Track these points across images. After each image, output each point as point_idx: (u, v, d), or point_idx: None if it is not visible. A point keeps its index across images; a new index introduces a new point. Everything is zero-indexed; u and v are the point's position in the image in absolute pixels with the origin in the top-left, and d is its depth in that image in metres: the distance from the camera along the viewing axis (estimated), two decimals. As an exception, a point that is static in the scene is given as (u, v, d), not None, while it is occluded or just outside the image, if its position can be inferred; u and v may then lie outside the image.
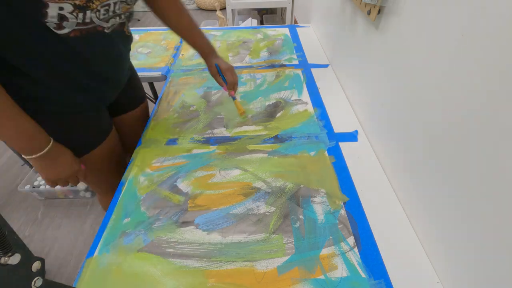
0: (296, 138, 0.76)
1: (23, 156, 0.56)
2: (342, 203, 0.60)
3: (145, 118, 0.90)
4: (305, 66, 1.09)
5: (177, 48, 1.25)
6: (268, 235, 0.55)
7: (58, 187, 1.44)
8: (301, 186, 0.63)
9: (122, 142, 0.84)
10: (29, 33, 0.46)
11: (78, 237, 1.32)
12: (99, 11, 0.51)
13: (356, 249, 0.52)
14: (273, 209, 0.59)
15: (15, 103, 0.50)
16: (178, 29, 0.79)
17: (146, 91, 1.66)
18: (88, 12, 0.49)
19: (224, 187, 0.64)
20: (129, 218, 0.59)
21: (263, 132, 0.78)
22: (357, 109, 0.85)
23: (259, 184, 0.64)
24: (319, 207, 0.59)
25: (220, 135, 0.78)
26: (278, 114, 0.85)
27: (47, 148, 0.56)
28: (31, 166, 1.53)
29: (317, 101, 0.90)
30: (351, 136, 0.77)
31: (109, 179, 0.80)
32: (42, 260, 0.35)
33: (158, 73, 1.08)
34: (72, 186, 0.68)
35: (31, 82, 0.53)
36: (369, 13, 0.68)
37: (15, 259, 0.32)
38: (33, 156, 0.55)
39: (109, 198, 0.84)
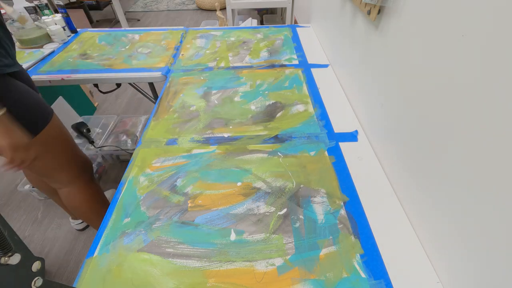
0: (296, 138, 0.76)
1: None
2: (342, 203, 0.60)
3: None
4: (305, 66, 1.09)
5: (177, 48, 1.25)
6: (268, 235, 0.55)
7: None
8: (301, 186, 0.63)
9: None
10: None
11: (78, 237, 1.32)
12: None
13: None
14: (273, 209, 0.59)
15: None
16: None
17: (146, 91, 1.67)
18: None
19: (224, 187, 0.64)
20: (129, 218, 0.59)
21: (263, 132, 0.78)
22: (357, 109, 0.85)
23: (259, 184, 0.64)
24: (319, 207, 0.59)
25: (220, 135, 0.78)
26: (278, 114, 0.85)
27: (3, 111, 0.60)
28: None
29: (317, 101, 0.90)
30: (351, 136, 0.77)
31: (66, 163, 0.87)
32: (42, 260, 0.35)
33: (158, 73, 1.08)
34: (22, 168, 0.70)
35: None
36: (369, 13, 0.68)
37: (15, 259, 0.32)
38: None
39: (75, 186, 0.93)
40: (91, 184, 1.00)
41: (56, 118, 0.84)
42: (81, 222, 1.33)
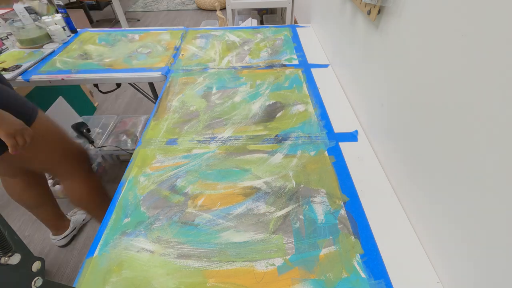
0: (296, 138, 0.76)
1: None
2: (342, 203, 0.60)
3: None
4: (305, 66, 1.09)
5: (177, 48, 1.25)
6: (268, 235, 0.55)
7: (58, 187, 1.44)
8: (301, 186, 0.63)
9: None
10: None
11: (78, 237, 1.32)
12: None
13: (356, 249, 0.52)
14: (273, 209, 0.59)
15: None
16: None
17: (146, 91, 1.67)
18: None
19: (224, 187, 0.64)
20: (129, 218, 0.59)
21: (263, 132, 0.78)
22: (357, 109, 0.85)
23: (259, 184, 0.64)
24: (319, 207, 0.59)
25: (220, 135, 0.78)
26: (278, 114, 0.85)
27: None
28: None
29: (317, 101, 0.90)
30: (351, 136, 0.77)
31: (62, 155, 0.90)
32: (42, 260, 0.35)
33: (158, 73, 1.08)
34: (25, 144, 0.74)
35: None
36: (369, 13, 0.68)
37: (15, 259, 0.32)
38: None
39: (76, 179, 0.96)
40: (91, 176, 1.02)
41: (43, 114, 0.84)
42: (63, 238, 1.26)
